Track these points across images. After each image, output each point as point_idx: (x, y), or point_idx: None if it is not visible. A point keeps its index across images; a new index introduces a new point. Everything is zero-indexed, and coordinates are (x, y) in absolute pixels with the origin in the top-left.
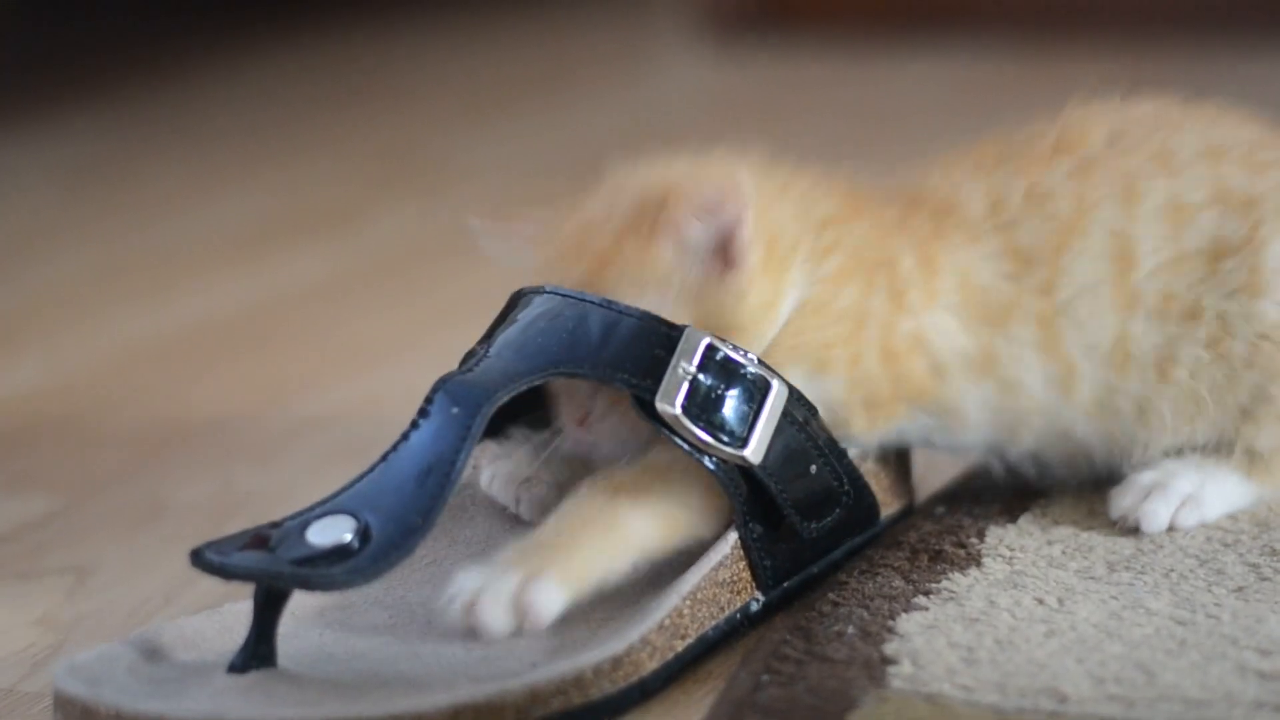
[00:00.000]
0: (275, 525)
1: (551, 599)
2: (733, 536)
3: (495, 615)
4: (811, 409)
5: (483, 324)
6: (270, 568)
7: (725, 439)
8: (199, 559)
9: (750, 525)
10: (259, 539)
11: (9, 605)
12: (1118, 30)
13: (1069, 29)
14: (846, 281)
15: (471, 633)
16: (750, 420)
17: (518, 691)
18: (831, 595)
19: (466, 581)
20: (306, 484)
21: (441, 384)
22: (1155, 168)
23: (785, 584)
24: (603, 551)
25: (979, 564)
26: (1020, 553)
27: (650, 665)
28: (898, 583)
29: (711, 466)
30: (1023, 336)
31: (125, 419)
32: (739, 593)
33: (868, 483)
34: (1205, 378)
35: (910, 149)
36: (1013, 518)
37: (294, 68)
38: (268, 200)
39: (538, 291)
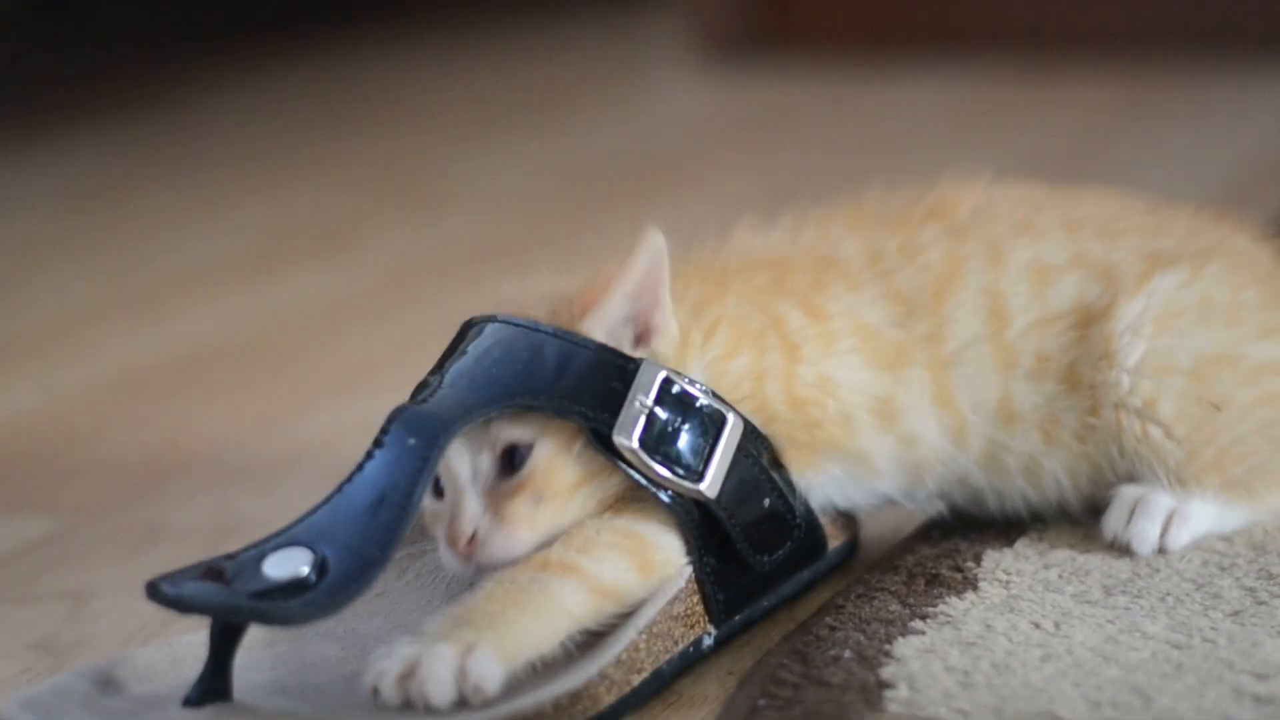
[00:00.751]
0: (230, 557)
1: (493, 670)
2: (687, 570)
3: (441, 687)
4: (765, 443)
5: None
6: (227, 601)
7: (681, 472)
8: (155, 592)
9: (704, 559)
10: (214, 571)
11: (5, 629)
12: (1113, 52)
13: (1065, 51)
14: (736, 353)
15: (407, 705)
16: (706, 454)
17: None
18: (828, 619)
19: (396, 654)
20: (303, 507)
21: (397, 414)
22: (1018, 233)
23: (737, 617)
24: (536, 626)
25: (975, 588)
26: (1017, 577)
27: (608, 699)
28: (894, 607)
29: (666, 500)
30: (918, 386)
31: (123, 443)
32: (692, 626)
33: (816, 516)
34: (1094, 443)
35: (906, 170)
36: (1009, 542)
37: (291, 90)
38: (265, 222)
39: (489, 320)
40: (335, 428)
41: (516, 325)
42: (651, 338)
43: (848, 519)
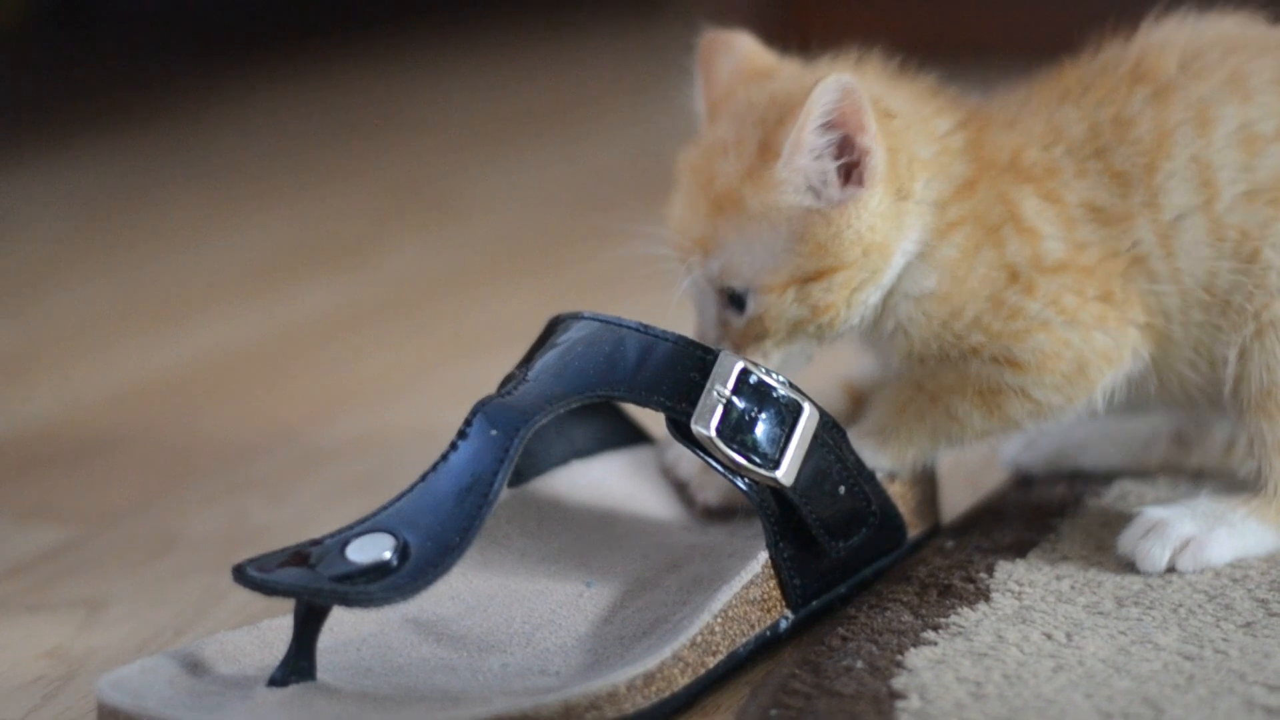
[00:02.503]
0: (316, 543)
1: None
2: (763, 555)
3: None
4: (841, 432)
5: (496, 356)
6: (310, 584)
7: (757, 461)
8: (241, 575)
9: (780, 545)
10: (299, 556)
11: (20, 637)
12: None
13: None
14: (974, 253)
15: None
16: (782, 443)
17: (552, 705)
18: (840, 630)
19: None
20: (319, 517)
21: (480, 407)
22: (1227, 94)
23: (814, 602)
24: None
25: (988, 599)
26: (1029, 588)
27: (682, 681)
28: (906, 617)
29: (744, 487)
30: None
31: (138, 451)
32: (769, 610)
33: (895, 504)
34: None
35: None
36: (1022, 553)
37: (307, 101)
38: (280, 233)
39: (575, 317)
40: (350, 436)
41: (601, 321)
42: (864, 178)
43: (927, 506)
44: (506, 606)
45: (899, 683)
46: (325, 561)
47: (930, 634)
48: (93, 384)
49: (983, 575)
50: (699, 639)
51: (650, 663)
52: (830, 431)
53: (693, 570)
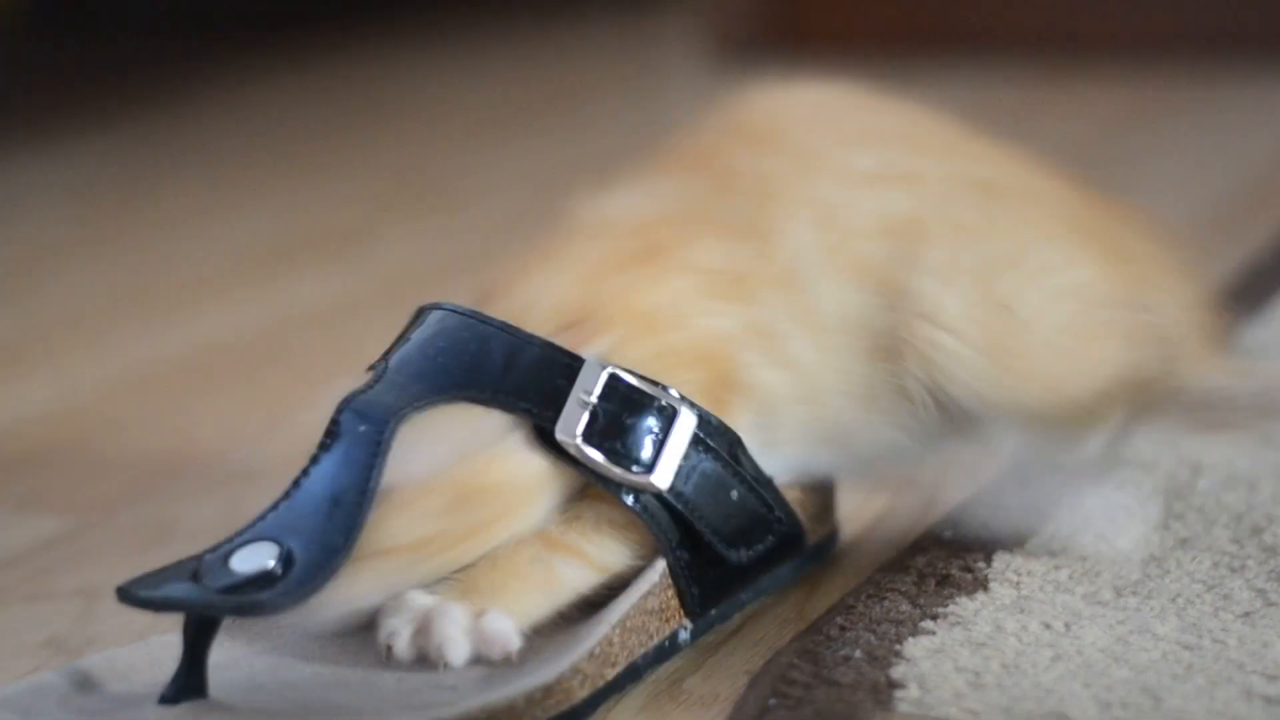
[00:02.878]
0: (197, 559)
1: (510, 629)
2: (660, 564)
3: (457, 644)
4: (728, 437)
5: None
6: (199, 597)
7: (632, 466)
8: (127, 595)
9: (677, 552)
10: (184, 572)
11: (18, 627)
12: (1126, 56)
13: (1082, 54)
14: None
15: (423, 660)
16: (657, 447)
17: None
18: (839, 619)
19: (406, 611)
20: None
21: (345, 404)
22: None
23: (713, 610)
24: (541, 595)
25: (986, 589)
26: (1027, 577)
27: (581, 693)
28: (905, 607)
29: (627, 500)
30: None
31: (134, 441)
32: (668, 620)
33: (795, 510)
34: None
35: None
36: (1020, 542)
37: (303, 91)
38: (277, 221)
39: (435, 308)
40: None
41: (462, 314)
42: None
43: (825, 513)
44: None
45: (898, 672)
46: (211, 575)
47: (929, 623)
48: (89, 373)
49: (981, 565)
50: (597, 650)
51: (548, 675)
52: (715, 436)
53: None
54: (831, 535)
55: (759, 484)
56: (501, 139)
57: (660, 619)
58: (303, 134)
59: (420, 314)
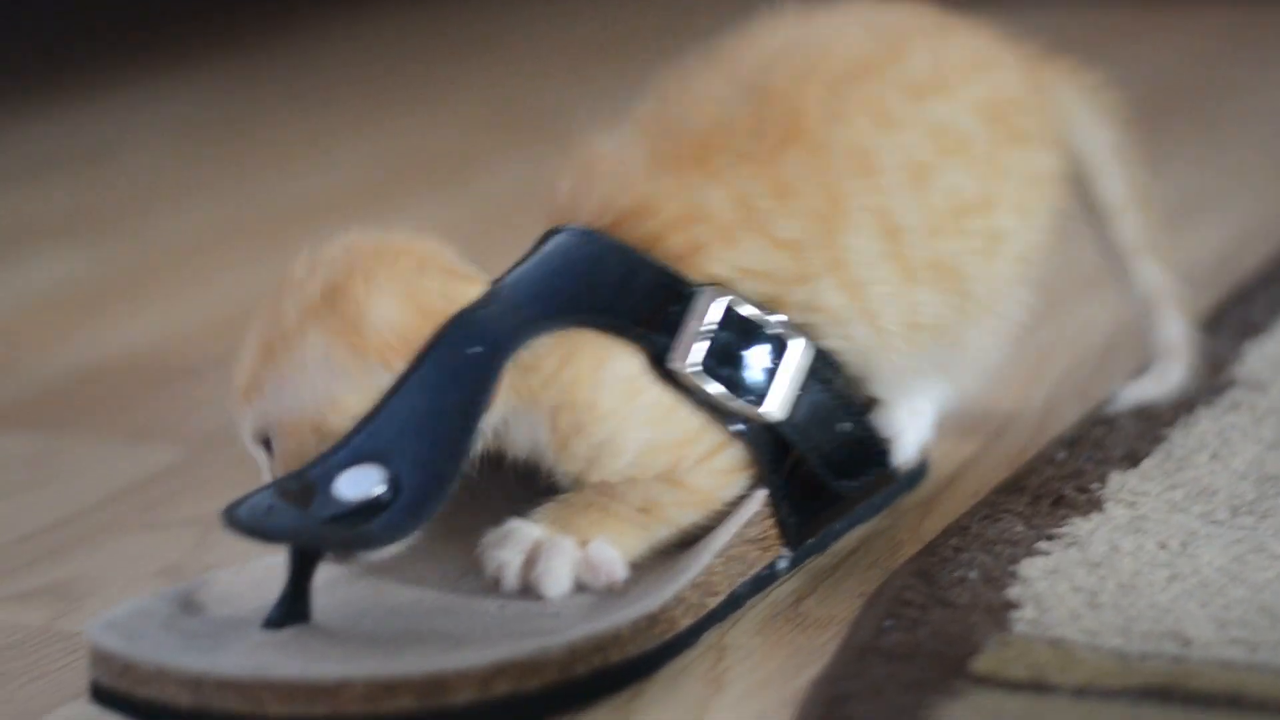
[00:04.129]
0: (298, 475)
1: (616, 557)
2: (761, 494)
3: (559, 577)
4: (837, 367)
5: None
6: (306, 529)
7: (745, 396)
8: (233, 520)
9: (778, 482)
10: (288, 494)
11: (134, 555)
12: None
13: None
14: None
15: (530, 591)
16: (770, 377)
17: (558, 649)
18: (954, 540)
19: (513, 542)
20: None
21: (457, 318)
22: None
23: (811, 540)
24: (641, 530)
25: (1101, 509)
26: (1142, 498)
27: (684, 622)
28: (1020, 528)
29: (735, 428)
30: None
31: None
32: (767, 549)
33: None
34: None
35: None
36: (1134, 463)
37: (410, 21)
38: (382, 155)
39: (559, 230)
40: None
41: (579, 233)
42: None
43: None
44: None
45: (1013, 593)
46: (317, 499)
47: (1044, 544)
48: (199, 306)
49: (1096, 485)
50: (700, 579)
51: (652, 604)
52: (825, 365)
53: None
54: (923, 465)
55: (863, 413)
56: (608, 69)
57: (760, 548)
58: (410, 64)
59: (546, 236)
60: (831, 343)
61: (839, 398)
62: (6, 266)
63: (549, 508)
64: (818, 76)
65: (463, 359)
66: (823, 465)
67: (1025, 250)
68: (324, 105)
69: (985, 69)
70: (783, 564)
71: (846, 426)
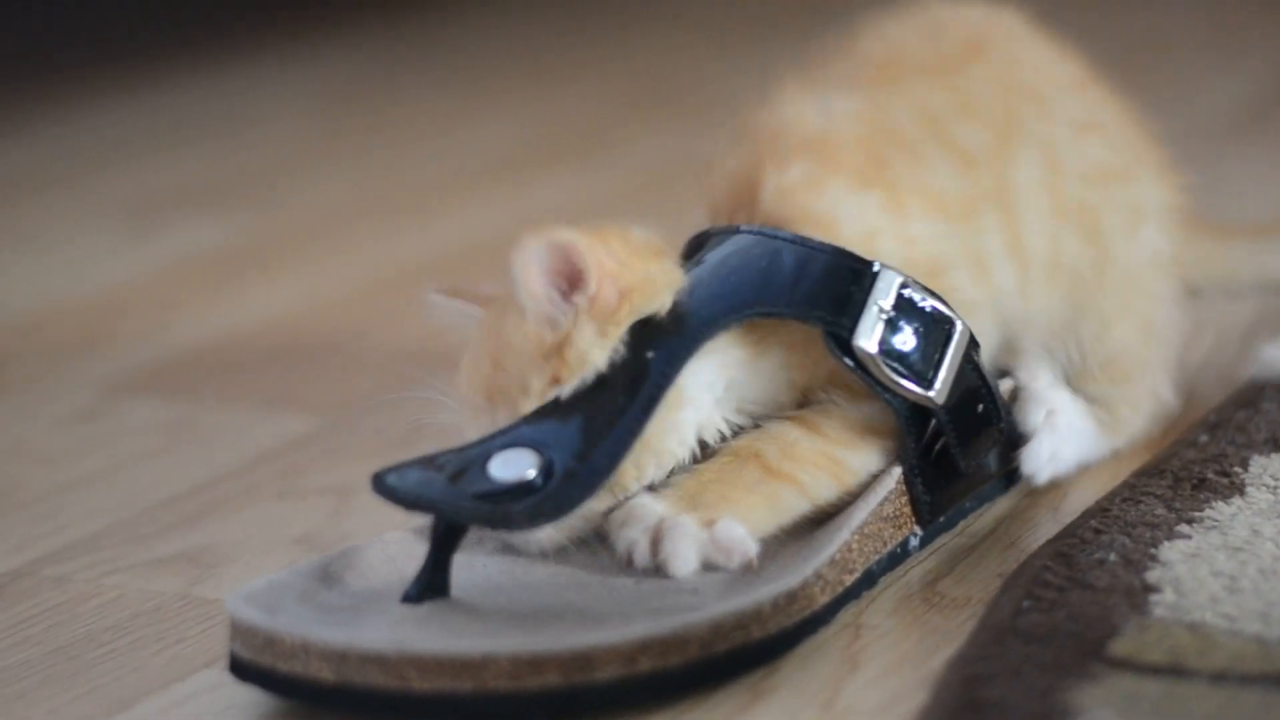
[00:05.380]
0: (458, 452)
1: (745, 534)
2: (896, 471)
3: (685, 558)
4: (976, 345)
5: None
6: (451, 501)
7: (913, 379)
8: (381, 485)
9: (914, 460)
10: (440, 466)
11: (272, 523)
12: None
13: None
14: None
15: (662, 569)
16: (936, 361)
17: (701, 625)
18: (1094, 522)
19: (643, 521)
20: None
21: (639, 327)
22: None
23: (941, 518)
24: (767, 511)
25: (1242, 493)
26: None
27: (822, 599)
28: (1160, 510)
29: (896, 405)
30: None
31: (380, 343)
32: (900, 527)
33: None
34: None
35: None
36: (1277, 447)
37: None
38: (522, 127)
39: (730, 231)
40: None
41: (754, 233)
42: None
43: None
44: None
45: (1153, 576)
46: (467, 476)
47: (1184, 527)
48: (335, 276)
49: (1237, 469)
50: (837, 556)
51: (792, 581)
52: (976, 349)
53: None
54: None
55: (995, 393)
56: (752, 46)
57: (894, 525)
58: (550, 37)
59: (708, 237)
60: (979, 291)
61: (982, 379)
62: (141, 236)
63: (677, 482)
64: (989, 24)
65: (640, 364)
66: (958, 445)
67: (1161, 240)
68: (463, 78)
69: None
70: (914, 542)
71: (981, 408)
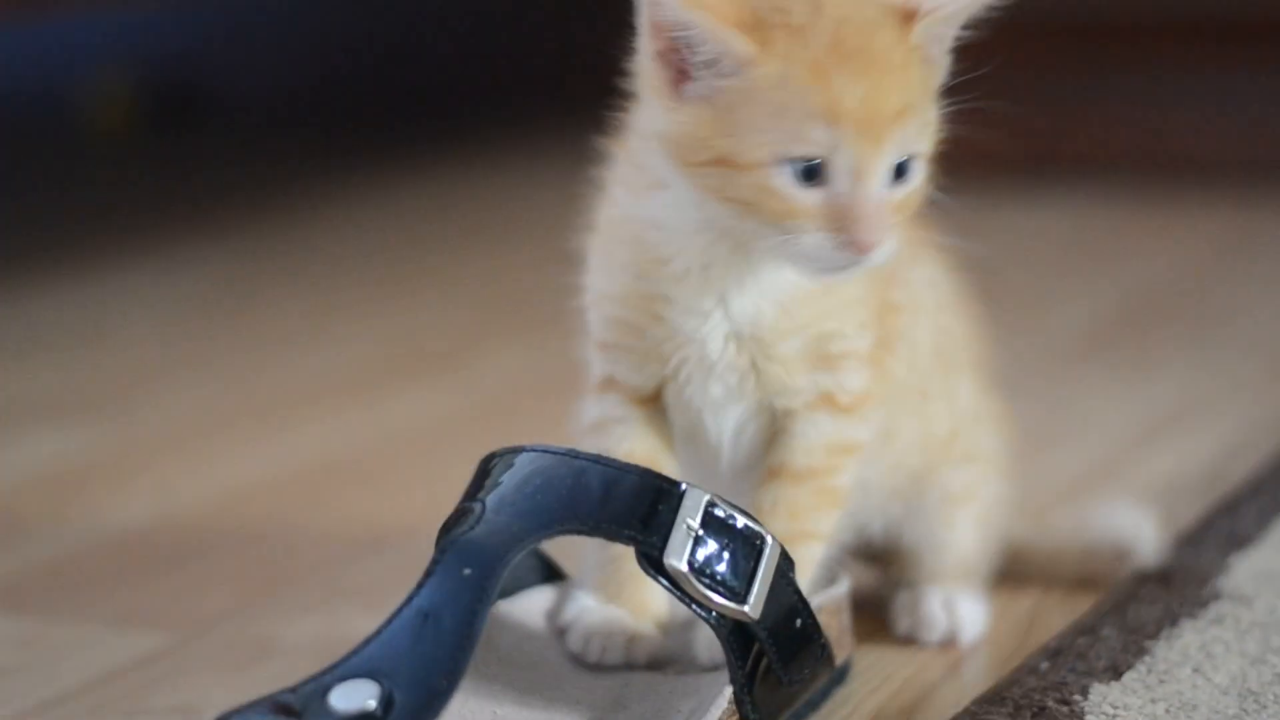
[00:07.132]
0: (293, 690)
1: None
2: (728, 690)
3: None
4: (791, 562)
5: None
6: None
7: (726, 595)
8: None
9: (743, 679)
10: (281, 706)
11: None
12: (1227, 181)
13: (1179, 179)
14: None
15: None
16: (748, 576)
17: None
18: None
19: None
20: None
21: (450, 544)
22: None
23: None
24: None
25: None
26: (1124, 711)
27: None
28: None
29: (712, 620)
30: None
31: (235, 557)
32: None
33: (827, 634)
34: None
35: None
36: (1117, 675)
37: (407, 205)
38: (381, 338)
39: (517, 451)
40: None
41: (553, 453)
42: None
43: (848, 636)
44: None
45: None
46: (309, 712)
47: None
48: (190, 489)
49: (1077, 698)
50: None
51: None
52: (790, 566)
53: (639, 710)
54: (849, 660)
55: (812, 610)
56: None
57: None
58: (408, 248)
59: (494, 458)
60: None
61: (796, 593)
62: None
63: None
64: None
65: (457, 581)
66: (780, 663)
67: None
68: (321, 289)
69: None
70: None
71: (799, 622)
